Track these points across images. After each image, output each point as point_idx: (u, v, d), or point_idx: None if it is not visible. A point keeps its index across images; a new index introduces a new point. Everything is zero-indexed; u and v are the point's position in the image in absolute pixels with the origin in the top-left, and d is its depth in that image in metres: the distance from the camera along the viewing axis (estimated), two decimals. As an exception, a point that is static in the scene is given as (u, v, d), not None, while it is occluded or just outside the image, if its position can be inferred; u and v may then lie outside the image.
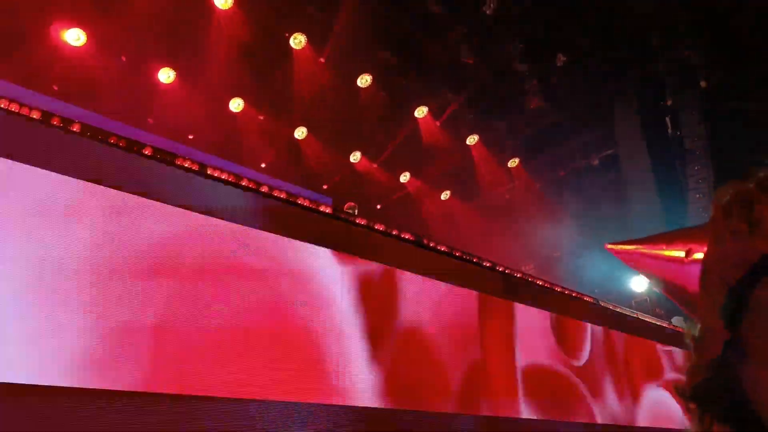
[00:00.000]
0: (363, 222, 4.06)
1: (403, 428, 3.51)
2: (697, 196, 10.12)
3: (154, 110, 9.00)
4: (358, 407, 3.26)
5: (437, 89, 11.78)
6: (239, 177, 3.37)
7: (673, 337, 6.87)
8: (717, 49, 11.02)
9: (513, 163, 12.74)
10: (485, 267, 4.84)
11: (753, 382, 0.26)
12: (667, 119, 11.24)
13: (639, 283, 10.17)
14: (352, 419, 3.20)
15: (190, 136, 9.30)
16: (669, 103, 11.08)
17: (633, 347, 6.04)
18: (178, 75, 9.00)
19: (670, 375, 6.43)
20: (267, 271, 3.18)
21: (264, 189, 3.53)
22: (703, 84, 10.87)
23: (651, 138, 11.45)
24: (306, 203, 3.78)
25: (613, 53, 11.69)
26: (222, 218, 3.08)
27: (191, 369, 2.66)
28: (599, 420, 5.01)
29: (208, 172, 3.20)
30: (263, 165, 10.55)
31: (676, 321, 8.03)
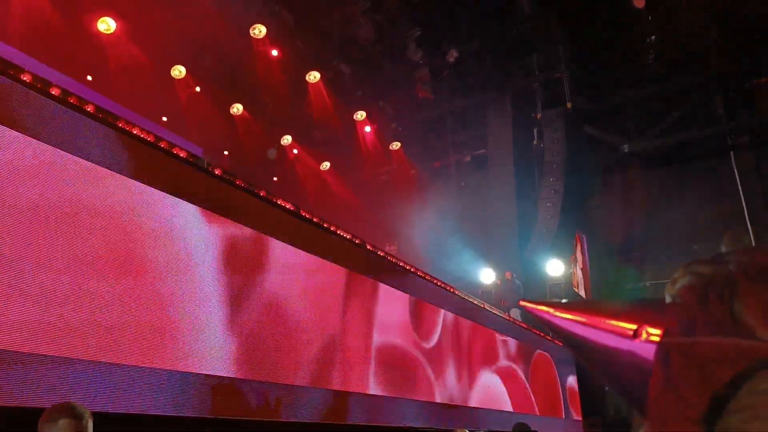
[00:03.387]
0: (241, 183, 3.84)
1: (252, 398, 3.44)
2: (548, 204, 11.25)
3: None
4: (208, 375, 3.12)
5: (331, 59, 11.59)
6: (111, 114, 2.97)
7: (511, 328, 7.62)
8: (585, 76, 12.28)
9: (395, 146, 13.06)
10: (355, 244, 4.91)
11: None
12: (535, 131, 12.29)
13: (487, 276, 11.07)
14: (200, 387, 3.06)
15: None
16: (538, 117, 12.10)
17: (476, 334, 6.59)
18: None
19: (503, 362, 7.14)
20: (119, 220, 2.86)
21: (137, 131, 3.17)
22: (568, 105, 12.04)
23: (518, 145, 12.47)
24: (183, 154, 3.46)
25: (499, 61, 12.45)
26: (72, 153, 2.67)
27: (13, 320, 2.28)
28: (438, 399, 5.41)
29: (55, 93, 2.73)
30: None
31: (514, 313, 8.92)
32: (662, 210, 12.23)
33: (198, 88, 10.03)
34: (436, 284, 5.97)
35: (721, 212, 11.52)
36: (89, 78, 8.48)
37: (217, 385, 3.21)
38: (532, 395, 7.64)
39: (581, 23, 11.32)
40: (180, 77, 10.04)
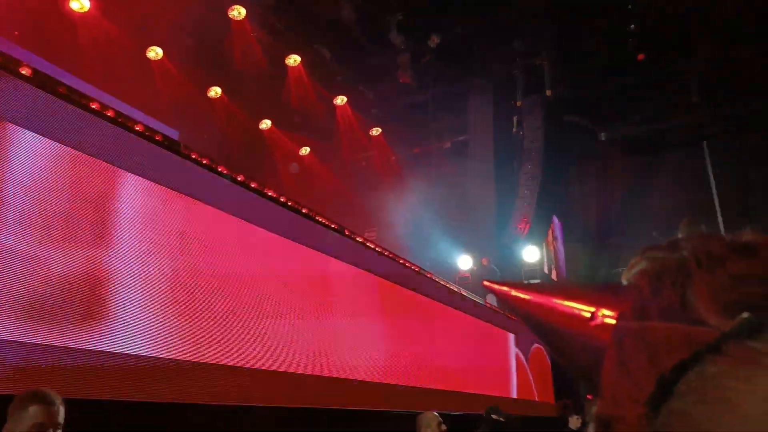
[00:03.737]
0: (206, 162, 3.80)
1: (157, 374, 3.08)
2: (525, 191, 11.38)
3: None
4: (116, 353, 2.96)
5: (311, 42, 11.47)
6: (84, 95, 2.94)
7: (487, 313, 7.76)
8: (566, 65, 12.37)
9: (376, 131, 13.03)
10: (333, 229, 4.94)
11: None
12: (515, 118, 12.37)
13: (464, 263, 11.20)
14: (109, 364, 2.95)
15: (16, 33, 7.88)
16: (519, 104, 12.18)
17: (453, 319, 6.71)
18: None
19: (475, 346, 7.28)
20: (96, 203, 2.86)
21: (95, 105, 3.12)
22: (548, 93, 12.14)
23: (498, 132, 12.54)
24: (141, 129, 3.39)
25: (481, 48, 12.46)
26: (40, 133, 2.63)
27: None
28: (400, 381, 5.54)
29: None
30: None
31: (490, 299, 9.07)
32: (637, 197, 12.47)
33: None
34: (419, 272, 6.04)
35: (693, 200, 11.80)
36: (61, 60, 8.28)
37: (123, 363, 3.24)
38: (507, 378, 7.83)
39: (563, 10, 11.36)
40: (157, 59, 9.86)
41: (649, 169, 12.47)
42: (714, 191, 11.57)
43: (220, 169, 3.84)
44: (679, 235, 0.40)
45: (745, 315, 0.31)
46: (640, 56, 11.55)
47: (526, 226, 10.71)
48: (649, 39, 11.42)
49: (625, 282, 0.39)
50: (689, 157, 12.05)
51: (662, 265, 0.36)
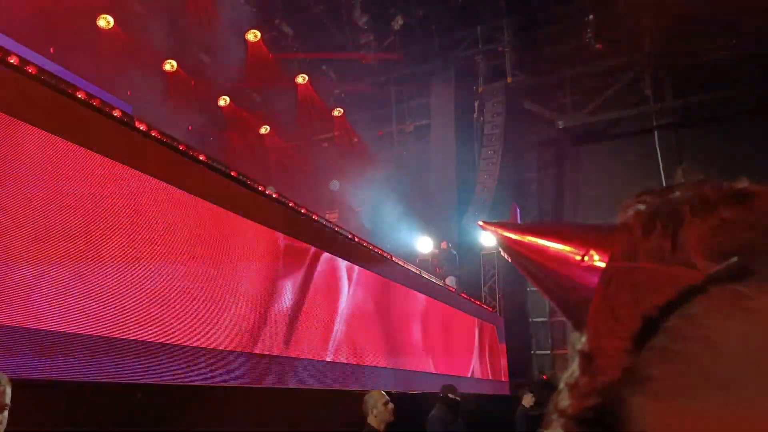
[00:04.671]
0: (164, 138, 3.64)
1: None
2: (485, 176, 11.56)
3: None
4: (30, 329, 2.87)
5: (273, 18, 11.18)
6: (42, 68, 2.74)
7: (447, 296, 7.88)
8: (526, 51, 12.55)
9: (338, 112, 12.88)
10: (297, 211, 4.87)
11: (644, 413, 0.26)
12: (476, 104, 12.49)
13: (424, 245, 11.32)
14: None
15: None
16: (481, 90, 12.29)
17: (411, 301, 6.78)
18: None
19: (436, 328, 7.39)
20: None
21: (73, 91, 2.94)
22: (509, 80, 12.29)
23: (460, 117, 12.65)
24: (97, 103, 3.21)
25: (444, 31, 12.47)
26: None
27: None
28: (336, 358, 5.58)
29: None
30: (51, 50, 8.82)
31: (450, 281, 9.21)
32: (591, 184, 12.89)
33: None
34: (376, 252, 6.05)
35: (644, 188, 12.27)
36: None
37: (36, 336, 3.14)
38: (466, 357, 8.00)
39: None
40: (108, 27, 9.37)
41: (603, 157, 12.88)
42: (663, 180, 12.08)
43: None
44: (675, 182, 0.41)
45: (734, 259, 0.31)
46: (599, 45, 11.83)
47: (485, 209, 10.88)
48: (606, 29, 11.71)
49: (618, 223, 0.39)
50: (640, 147, 12.51)
51: (656, 207, 0.37)
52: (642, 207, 0.35)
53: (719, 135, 11.67)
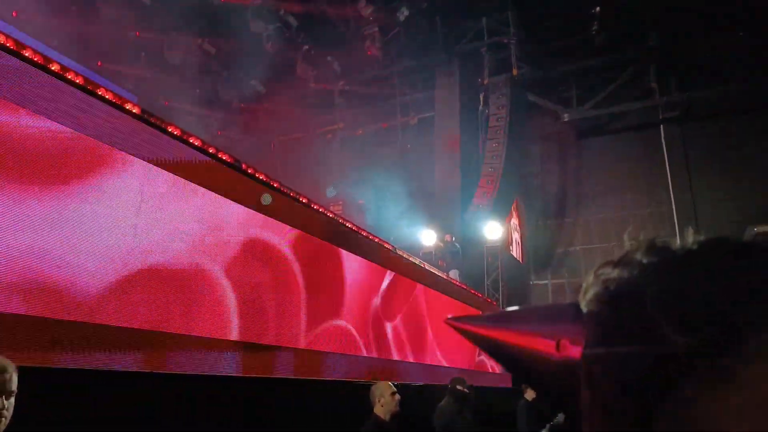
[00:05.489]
0: (177, 132, 3.64)
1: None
2: (490, 169, 11.52)
3: None
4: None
5: (278, 9, 11.12)
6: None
7: (448, 287, 7.89)
8: (531, 44, 12.47)
9: (341, 104, 12.85)
10: (302, 203, 4.87)
11: None
12: (481, 96, 12.44)
13: (428, 238, 11.31)
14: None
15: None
16: (485, 82, 12.23)
17: (412, 292, 6.79)
18: None
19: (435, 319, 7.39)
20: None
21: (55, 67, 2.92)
22: (514, 72, 12.23)
23: (464, 109, 12.60)
24: (109, 96, 3.21)
25: (448, 23, 12.39)
26: None
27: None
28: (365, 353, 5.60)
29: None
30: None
31: (453, 274, 9.22)
32: (595, 178, 12.85)
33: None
34: (380, 245, 6.05)
35: (649, 182, 12.26)
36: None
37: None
38: (470, 350, 8.02)
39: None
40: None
41: (607, 150, 12.85)
42: (668, 173, 12.05)
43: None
44: (626, 247, 0.38)
45: (708, 329, 0.30)
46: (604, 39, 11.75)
47: (489, 203, 10.87)
48: (612, 23, 11.63)
49: (583, 307, 0.37)
50: (645, 140, 12.46)
51: (616, 285, 0.35)
52: (601, 287, 0.34)
53: (725, 129, 11.61)
